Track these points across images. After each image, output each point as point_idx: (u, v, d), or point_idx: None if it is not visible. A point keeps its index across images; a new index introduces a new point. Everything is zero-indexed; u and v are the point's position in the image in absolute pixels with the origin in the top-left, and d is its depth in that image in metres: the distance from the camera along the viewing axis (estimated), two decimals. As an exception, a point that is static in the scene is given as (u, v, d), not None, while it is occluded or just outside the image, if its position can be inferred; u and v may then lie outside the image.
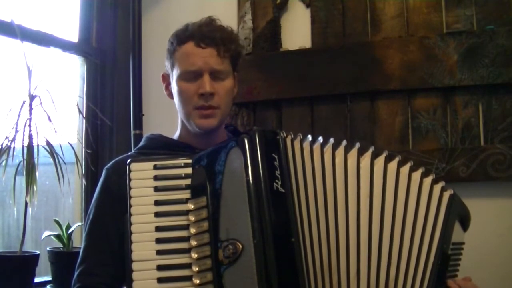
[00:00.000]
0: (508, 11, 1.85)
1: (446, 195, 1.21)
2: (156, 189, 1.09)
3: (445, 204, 1.20)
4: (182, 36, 1.32)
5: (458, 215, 1.23)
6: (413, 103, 1.94)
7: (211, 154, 1.10)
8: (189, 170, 1.11)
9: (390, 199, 1.16)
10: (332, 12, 2.06)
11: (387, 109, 1.97)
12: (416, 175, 1.20)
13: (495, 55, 1.82)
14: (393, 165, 1.19)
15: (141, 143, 1.42)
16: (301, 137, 1.13)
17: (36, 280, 1.76)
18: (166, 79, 1.41)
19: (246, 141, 1.05)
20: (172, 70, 1.35)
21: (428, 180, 1.20)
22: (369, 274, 1.11)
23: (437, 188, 1.21)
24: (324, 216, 1.10)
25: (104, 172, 1.36)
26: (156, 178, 1.10)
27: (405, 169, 1.19)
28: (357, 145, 1.18)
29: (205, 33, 1.30)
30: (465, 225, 1.27)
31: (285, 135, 1.10)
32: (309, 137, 1.15)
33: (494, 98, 1.84)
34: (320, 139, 1.16)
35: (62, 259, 1.81)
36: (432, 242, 1.17)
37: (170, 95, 1.39)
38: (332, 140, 1.16)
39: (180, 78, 1.32)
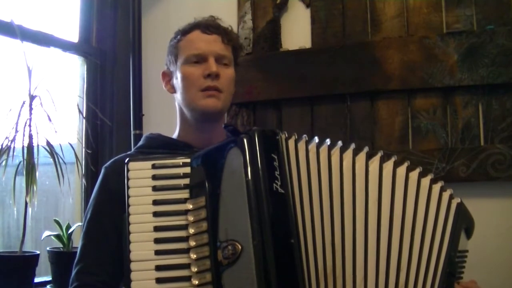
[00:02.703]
0: (508, 11, 1.85)
1: (454, 203, 1.20)
2: (155, 188, 1.09)
3: (453, 212, 1.19)
4: (187, 28, 1.39)
5: (464, 223, 1.22)
6: (413, 103, 1.94)
7: (210, 154, 1.09)
8: (187, 170, 1.10)
9: (399, 205, 1.14)
10: (332, 12, 2.06)
11: (387, 109, 1.97)
12: (425, 181, 1.18)
13: (495, 55, 1.82)
14: (402, 170, 1.17)
15: (140, 142, 1.42)
16: (307, 139, 1.12)
17: (36, 280, 1.76)
18: (166, 75, 1.43)
19: (245, 141, 1.05)
20: (176, 62, 1.38)
21: (437, 187, 1.19)
22: (377, 279, 1.09)
23: (446, 195, 1.20)
24: (329, 219, 1.09)
25: (102, 170, 1.36)
26: (154, 177, 1.10)
27: (414, 174, 1.18)
28: (366, 149, 1.16)
29: (210, 22, 1.38)
30: (469, 234, 1.25)
31: (287, 135, 1.09)
32: (316, 139, 1.14)
33: (494, 98, 1.84)
34: (328, 141, 1.14)
35: (62, 259, 1.81)
36: (441, 249, 1.15)
37: (171, 89, 1.41)
38: (340, 143, 1.15)
39: (186, 63, 1.35)
